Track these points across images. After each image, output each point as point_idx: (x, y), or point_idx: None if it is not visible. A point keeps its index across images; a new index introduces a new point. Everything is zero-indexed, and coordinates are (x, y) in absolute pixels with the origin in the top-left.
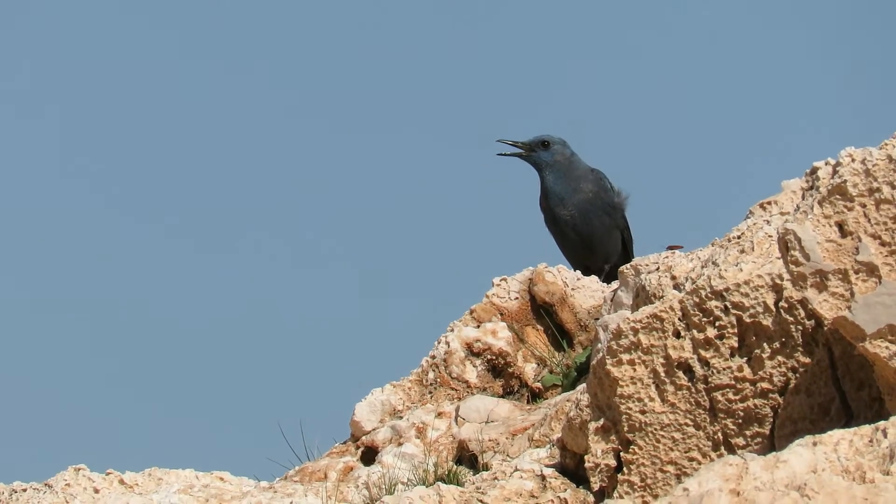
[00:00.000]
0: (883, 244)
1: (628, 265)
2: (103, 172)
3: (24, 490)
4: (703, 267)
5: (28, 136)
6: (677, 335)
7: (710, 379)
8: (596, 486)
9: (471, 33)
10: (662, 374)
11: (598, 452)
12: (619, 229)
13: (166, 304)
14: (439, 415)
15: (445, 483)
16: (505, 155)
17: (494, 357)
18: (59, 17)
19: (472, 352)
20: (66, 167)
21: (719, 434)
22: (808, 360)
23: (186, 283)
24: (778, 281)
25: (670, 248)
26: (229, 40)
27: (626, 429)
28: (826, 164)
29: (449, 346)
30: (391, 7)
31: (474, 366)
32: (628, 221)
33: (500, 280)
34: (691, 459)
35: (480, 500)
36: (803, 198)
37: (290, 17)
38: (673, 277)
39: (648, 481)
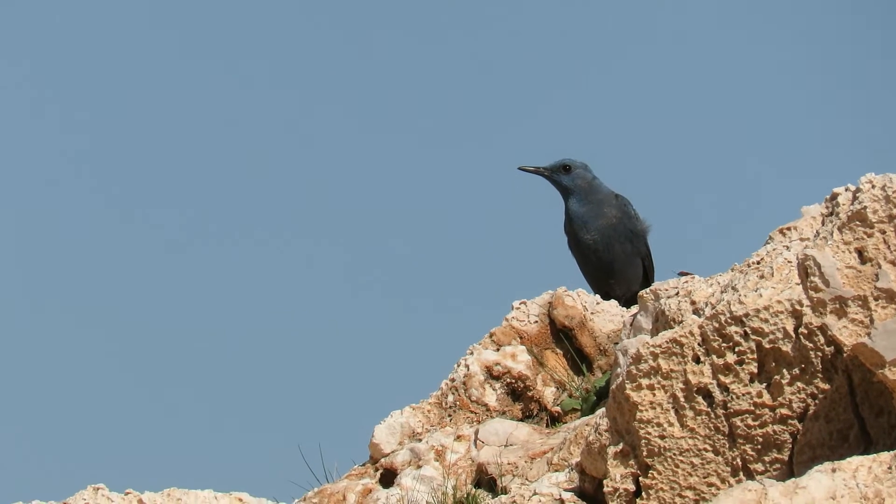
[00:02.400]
0: None
1: (648, 290)
2: (106, 174)
3: None
4: (722, 292)
5: (31, 137)
6: (697, 360)
7: (729, 404)
8: None
9: (498, 51)
10: (682, 399)
11: (617, 477)
12: (640, 256)
13: (184, 322)
14: (458, 438)
15: None
16: (527, 171)
17: (514, 380)
18: (60, 19)
19: (491, 375)
20: (68, 169)
21: (738, 460)
22: (827, 386)
23: (204, 301)
24: (797, 307)
25: (682, 274)
26: (232, 41)
27: (645, 453)
28: (846, 190)
29: (468, 369)
30: (413, 25)
31: (494, 389)
32: (650, 249)
33: (520, 303)
34: (710, 485)
35: None
36: (823, 224)
37: (298, 19)
38: (692, 302)
39: None
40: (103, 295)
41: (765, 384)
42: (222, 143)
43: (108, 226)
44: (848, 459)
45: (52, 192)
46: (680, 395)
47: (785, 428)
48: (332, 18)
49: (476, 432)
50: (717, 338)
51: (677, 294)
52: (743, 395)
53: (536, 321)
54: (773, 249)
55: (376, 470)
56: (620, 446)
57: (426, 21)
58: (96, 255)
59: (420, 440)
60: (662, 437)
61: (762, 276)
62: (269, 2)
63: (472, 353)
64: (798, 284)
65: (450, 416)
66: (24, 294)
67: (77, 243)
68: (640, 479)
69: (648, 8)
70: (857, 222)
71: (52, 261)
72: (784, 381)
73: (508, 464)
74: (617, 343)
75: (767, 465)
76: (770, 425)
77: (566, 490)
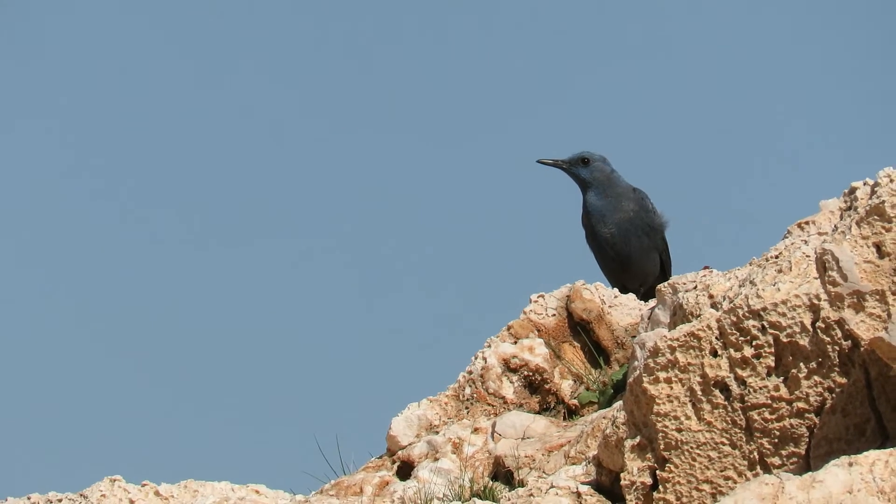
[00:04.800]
0: None
1: (666, 283)
2: (113, 176)
3: (60, 501)
4: (740, 286)
5: (37, 139)
6: (714, 354)
7: (746, 398)
8: None
9: (511, 47)
10: (699, 393)
11: (634, 470)
12: (657, 250)
13: (202, 315)
14: (475, 430)
15: (481, 499)
16: (545, 164)
17: (531, 373)
18: (63, 23)
19: (508, 368)
20: (72, 172)
21: (755, 453)
22: (844, 380)
23: (221, 293)
24: (815, 301)
25: (706, 269)
26: (235, 43)
27: (662, 447)
28: (864, 184)
29: (486, 362)
30: (426, 28)
31: (511, 382)
32: (668, 243)
33: (538, 296)
34: (727, 478)
35: None
36: (841, 218)
37: (304, 22)
38: (710, 296)
39: (684, 500)
40: (125, 292)
41: (782, 378)
42: (234, 144)
43: (135, 228)
44: (864, 453)
45: (64, 198)
46: (697, 388)
47: (802, 422)
48: (336, 21)
49: (493, 425)
50: (734, 331)
51: (695, 288)
52: (760, 388)
53: (554, 314)
54: (792, 244)
55: (393, 462)
56: (637, 439)
57: (441, 14)
58: (116, 254)
59: (437, 433)
60: (679, 431)
61: (780, 271)
62: (276, 2)
63: (489, 346)
64: (816, 279)
65: (467, 408)
66: (43, 292)
67: (97, 243)
68: (658, 472)
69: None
70: (876, 217)
71: (71, 260)
72: (801, 375)
73: (525, 457)
74: (634, 336)
75: (784, 459)
76: (787, 419)
77: (583, 483)
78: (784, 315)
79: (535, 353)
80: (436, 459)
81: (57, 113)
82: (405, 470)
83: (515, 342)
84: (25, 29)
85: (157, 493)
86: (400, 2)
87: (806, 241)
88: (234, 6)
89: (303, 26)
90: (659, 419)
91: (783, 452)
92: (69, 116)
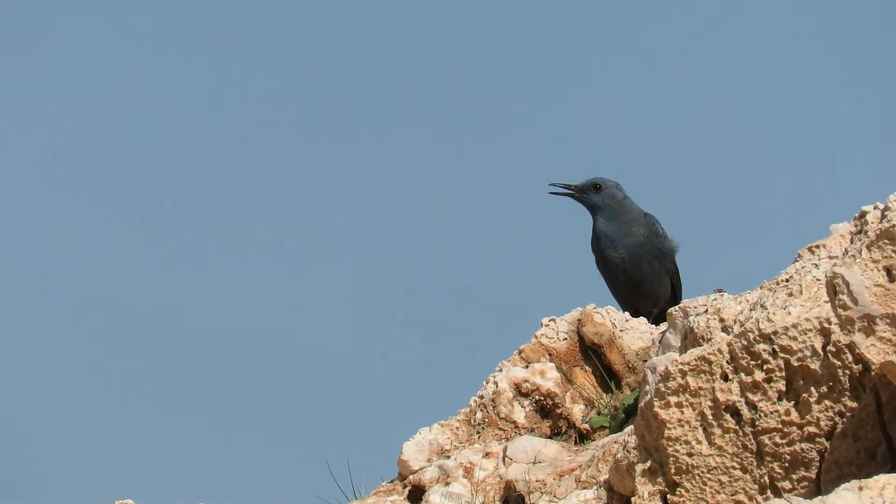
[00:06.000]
0: None
1: (677, 307)
2: (111, 179)
3: None
4: (751, 310)
5: (36, 141)
6: (725, 378)
7: (757, 422)
8: None
9: (526, 59)
10: (710, 417)
11: (645, 494)
12: (668, 274)
13: (216, 340)
14: (487, 455)
15: None
16: (557, 194)
17: (542, 398)
18: (65, 29)
19: (520, 392)
20: (69, 171)
21: (766, 477)
22: (855, 404)
23: (236, 316)
24: (826, 325)
25: (718, 291)
26: (236, 46)
27: (672, 471)
28: (875, 208)
29: (497, 387)
30: (439, 41)
31: (522, 406)
32: (678, 267)
33: (549, 320)
34: (738, 503)
35: None
36: (852, 241)
37: (304, 25)
38: (721, 320)
39: None
40: (133, 307)
41: (793, 402)
42: (235, 145)
43: (153, 241)
44: (875, 477)
45: (63, 201)
46: (708, 412)
47: (812, 446)
48: (336, 21)
49: (504, 449)
50: (745, 355)
51: (706, 311)
52: (771, 412)
53: (565, 338)
54: (802, 267)
55: (404, 487)
56: (648, 464)
57: (445, 33)
58: (124, 266)
59: (448, 457)
60: (690, 455)
61: (791, 294)
62: (283, 8)
63: (500, 370)
64: (826, 302)
65: (478, 433)
66: (49, 303)
67: (103, 252)
68: (668, 496)
69: (680, 13)
70: (886, 240)
71: (75, 271)
72: (812, 399)
73: (537, 481)
74: (646, 360)
75: (795, 483)
76: (798, 443)
77: None
78: (795, 339)
79: (547, 377)
80: (447, 484)
81: (57, 114)
82: (416, 494)
83: (527, 366)
84: (25, 31)
85: None
86: (400, 2)
87: (816, 265)
88: (246, 7)
89: (302, 29)
90: (670, 443)
91: (794, 476)
92: (69, 117)
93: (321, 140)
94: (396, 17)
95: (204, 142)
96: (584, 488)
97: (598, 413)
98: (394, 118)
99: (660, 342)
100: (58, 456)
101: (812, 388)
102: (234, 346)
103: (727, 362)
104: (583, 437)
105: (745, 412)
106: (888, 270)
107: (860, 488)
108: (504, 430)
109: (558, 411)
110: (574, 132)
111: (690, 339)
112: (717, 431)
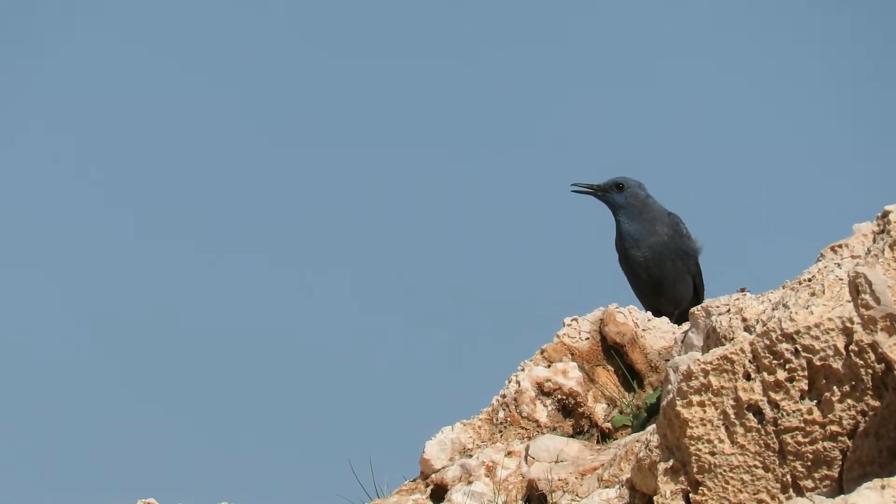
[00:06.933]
0: None
1: (699, 307)
2: (111, 182)
3: None
4: (773, 309)
5: (35, 144)
6: (747, 377)
7: (779, 421)
8: None
9: (551, 63)
10: (732, 416)
11: (668, 493)
12: (691, 275)
13: (240, 342)
14: (509, 454)
15: None
16: (579, 192)
17: (565, 397)
18: (68, 41)
19: (542, 391)
20: (71, 178)
21: (788, 476)
22: (877, 403)
23: (257, 319)
24: (848, 324)
25: (742, 290)
26: (236, 46)
27: (695, 470)
28: None
29: (520, 386)
30: (453, 48)
31: (545, 405)
32: (701, 268)
33: (571, 320)
34: (760, 501)
35: None
36: (874, 241)
37: (302, 30)
38: (744, 319)
39: None
40: (154, 312)
41: (815, 401)
42: (237, 147)
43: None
44: None
45: (65, 205)
46: (730, 411)
47: (835, 445)
48: (335, 25)
49: (527, 448)
50: (767, 355)
51: (728, 311)
52: (793, 411)
53: (588, 338)
54: (825, 267)
55: (427, 485)
56: (671, 463)
57: (446, 33)
58: (141, 270)
59: (471, 456)
60: (713, 454)
61: (813, 294)
62: (283, 14)
63: (523, 370)
64: (849, 302)
65: (500, 431)
66: (50, 303)
67: (105, 252)
68: (691, 495)
69: (693, 19)
70: None
71: (87, 276)
72: (834, 398)
73: (559, 480)
74: (668, 360)
75: (817, 482)
76: (820, 442)
77: None
78: (817, 338)
79: (569, 376)
80: (469, 483)
81: (56, 114)
82: (439, 493)
83: (549, 366)
84: (26, 31)
85: None
86: (402, 4)
87: (839, 265)
88: (245, 8)
89: (300, 33)
90: (692, 442)
91: (816, 475)
92: (69, 117)
93: (328, 141)
94: (396, 18)
95: (204, 142)
96: (607, 487)
97: (621, 412)
98: (404, 118)
99: (682, 342)
100: (78, 456)
101: (834, 388)
102: (259, 347)
103: (749, 361)
104: (605, 436)
105: (768, 411)
106: None
107: (882, 487)
108: (526, 429)
109: (580, 410)
110: (597, 132)
111: (713, 338)
112: (740, 430)
